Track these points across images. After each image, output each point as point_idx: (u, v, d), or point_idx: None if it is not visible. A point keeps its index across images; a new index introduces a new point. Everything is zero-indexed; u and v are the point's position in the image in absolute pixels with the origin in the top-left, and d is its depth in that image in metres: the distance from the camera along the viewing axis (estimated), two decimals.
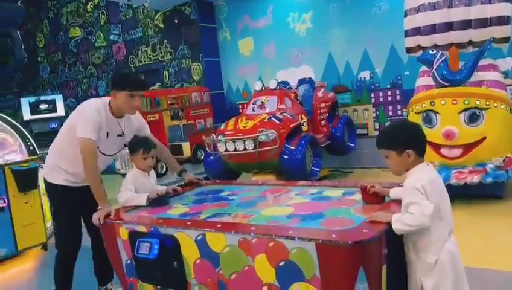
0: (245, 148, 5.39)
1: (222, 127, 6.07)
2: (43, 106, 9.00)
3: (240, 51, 8.56)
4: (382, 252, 1.76)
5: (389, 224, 1.79)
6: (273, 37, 8.10)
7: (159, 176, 6.81)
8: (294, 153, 5.38)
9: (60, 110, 9.11)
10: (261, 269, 1.88)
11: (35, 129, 8.92)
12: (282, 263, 1.81)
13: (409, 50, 5.16)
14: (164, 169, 6.89)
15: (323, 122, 6.49)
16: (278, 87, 6.23)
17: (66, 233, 2.91)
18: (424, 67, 4.94)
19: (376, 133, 7.18)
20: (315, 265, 1.70)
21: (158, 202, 2.70)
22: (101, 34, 10.16)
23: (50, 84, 11.54)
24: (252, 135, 5.37)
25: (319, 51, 7.59)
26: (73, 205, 2.86)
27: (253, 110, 6.11)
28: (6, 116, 4.59)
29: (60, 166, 2.84)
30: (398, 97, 7.00)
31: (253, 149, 5.34)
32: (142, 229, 2.28)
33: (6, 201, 4.11)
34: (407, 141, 1.89)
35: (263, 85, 6.34)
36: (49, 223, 4.56)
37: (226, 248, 1.97)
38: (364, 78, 7.25)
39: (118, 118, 2.81)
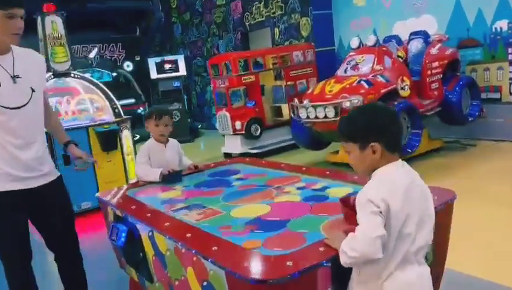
0: (326, 116, 4.88)
1: (310, 90, 5.61)
2: (167, 66, 9.66)
3: (354, 1, 7.67)
4: None
5: None
6: None
7: (254, 138, 6.76)
8: None
9: (182, 70, 9.66)
10: (192, 284, 1.61)
11: (161, 87, 9.71)
12: (205, 283, 1.51)
13: None
14: (259, 132, 6.79)
15: (434, 85, 5.43)
16: (377, 43, 5.39)
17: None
18: None
19: None
20: None
21: (171, 178, 2.60)
22: None
23: (182, 44, 12.30)
24: (333, 102, 4.81)
25: None
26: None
27: (346, 71, 5.44)
28: (95, 80, 4.98)
29: None
30: None
31: (333, 117, 4.80)
32: (119, 213, 2.20)
33: None
34: (371, 130, 1.35)
35: (360, 42, 5.57)
36: (132, 181, 4.91)
37: (167, 252, 1.75)
38: (501, 28, 5.77)
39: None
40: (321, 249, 1.39)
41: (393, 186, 1.30)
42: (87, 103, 4.95)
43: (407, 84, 5.11)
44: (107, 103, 4.91)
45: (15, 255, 2.06)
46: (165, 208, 2.10)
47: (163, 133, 2.82)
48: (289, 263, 1.31)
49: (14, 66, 1.99)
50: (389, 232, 1.27)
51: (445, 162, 5.20)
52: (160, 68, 9.62)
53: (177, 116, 9.50)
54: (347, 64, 5.50)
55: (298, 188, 2.17)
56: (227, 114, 6.71)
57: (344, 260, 1.29)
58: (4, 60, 1.98)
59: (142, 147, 2.83)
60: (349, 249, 1.26)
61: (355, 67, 5.36)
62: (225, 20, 10.39)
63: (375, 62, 5.20)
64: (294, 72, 7.12)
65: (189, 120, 9.65)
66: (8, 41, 1.96)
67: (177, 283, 1.74)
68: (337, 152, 5.59)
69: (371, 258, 1.25)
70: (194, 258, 1.53)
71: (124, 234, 2.06)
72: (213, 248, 1.49)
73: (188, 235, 1.66)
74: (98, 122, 4.71)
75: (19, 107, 1.97)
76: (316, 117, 5.00)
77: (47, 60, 4.75)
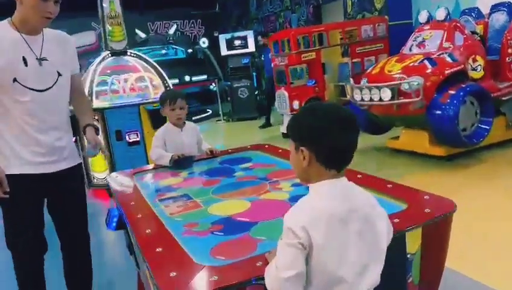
0: (381, 99, 4.49)
1: (369, 69, 5.19)
2: (236, 42, 9.64)
3: None
4: None
5: None
6: None
7: None
8: (444, 109, 4.14)
9: (251, 46, 9.57)
10: (148, 279, 1.56)
11: (230, 64, 9.75)
12: (150, 281, 1.45)
13: None
14: None
15: None
16: (448, 18, 4.77)
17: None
18: None
19: None
20: None
21: (180, 163, 2.58)
22: None
23: (256, 19, 12.18)
24: (389, 83, 4.39)
25: None
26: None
27: (411, 49, 4.92)
28: (149, 58, 5.11)
29: None
30: None
31: (389, 100, 4.39)
32: (114, 197, 2.22)
33: (140, 136, 4.72)
34: (304, 132, 1.12)
35: (429, 16, 4.97)
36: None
37: (135, 243, 1.71)
38: None
39: (30, 36, 1.94)
40: (259, 263, 1.24)
41: (316, 213, 1.05)
42: (141, 81, 5.10)
43: (480, 65, 4.48)
44: (160, 81, 5.02)
45: (25, 245, 1.99)
46: (155, 197, 2.07)
47: (180, 116, 2.79)
48: (213, 278, 1.18)
49: (42, 48, 1.96)
50: (314, 271, 1.05)
51: None
52: (230, 45, 9.64)
53: (245, 93, 9.52)
54: (413, 40, 4.98)
55: (293, 185, 2.00)
56: (286, 93, 6.52)
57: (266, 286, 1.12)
58: (34, 41, 1.94)
59: (158, 131, 2.84)
60: (269, 278, 1.09)
61: (421, 44, 4.82)
62: None
63: (444, 39, 4.62)
64: (361, 48, 6.66)
65: (257, 98, 9.61)
66: (38, 22, 1.92)
67: (142, 274, 1.71)
68: (397, 138, 5.15)
69: None
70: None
71: (115, 219, 2.07)
72: (157, 250, 1.41)
73: (148, 231, 1.61)
74: (149, 100, 4.85)
75: (42, 90, 1.94)
76: (371, 99, 4.62)
77: (105, 39, 4.99)
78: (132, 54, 5.09)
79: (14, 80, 1.87)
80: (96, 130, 2.20)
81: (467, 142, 4.21)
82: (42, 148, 1.97)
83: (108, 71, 5.01)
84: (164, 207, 1.90)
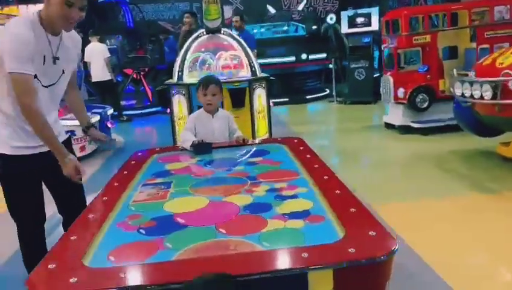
0: (482, 97, 3.77)
1: (482, 59, 4.38)
2: (359, 20, 9.03)
3: None
4: None
5: None
6: None
7: (418, 110, 5.82)
8: None
9: (374, 25, 8.87)
10: None
11: (349, 43, 9.25)
12: None
13: None
14: (426, 103, 5.77)
15: None
16: None
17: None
18: None
19: None
20: None
21: (199, 149, 2.61)
22: None
23: None
24: (492, 79, 3.64)
25: None
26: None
27: None
28: (239, 38, 5.16)
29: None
30: None
31: (490, 99, 3.66)
32: None
33: None
34: None
35: None
36: (260, 138, 5.05)
37: None
38: None
39: (52, 36, 2.04)
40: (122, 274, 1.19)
41: None
42: (231, 60, 5.21)
43: None
44: (247, 61, 5.05)
45: (29, 217, 2.17)
46: (145, 180, 2.14)
47: (210, 102, 2.80)
48: (73, 280, 1.18)
49: (58, 49, 2.07)
50: None
51: None
52: (351, 22, 9.10)
53: (362, 74, 8.97)
54: None
55: (268, 190, 1.84)
56: (391, 79, 5.93)
57: None
58: (54, 40, 2.05)
59: (192, 114, 2.90)
60: None
61: None
62: None
63: None
64: (490, 32, 5.62)
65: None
66: (62, 27, 2.00)
67: None
68: (508, 143, 4.29)
69: None
70: None
71: None
72: (71, 238, 1.47)
73: (91, 215, 1.68)
74: (234, 79, 4.93)
75: (47, 86, 2.07)
76: (472, 96, 3.92)
77: (201, 18, 5.20)
78: (225, 33, 5.20)
79: (35, 76, 1.98)
80: (95, 128, 2.45)
81: None
82: (34, 136, 2.03)
83: (203, 49, 5.24)
84: (138, 193, 1.95)
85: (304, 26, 10.38)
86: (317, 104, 9.77)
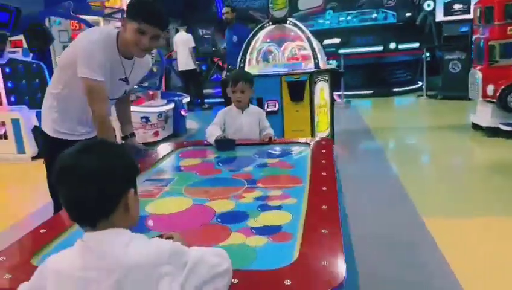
0: None
1: None
2: (456, 7, 8.09)
3: None
4: None
5: None
6: None
7: (509, 110, 5.07)
8: None
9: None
10: None
11: (444, 32, 8.39)
12: None
13: None
14: None
15: None
16: None
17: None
18: None
19: None
20: None
21: (221, 145, 2.57)
22: None
23: None
24: None
25: None
26: None
27: None
28: (305, 28, 4.95)
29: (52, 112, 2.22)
30: None
31: None
32: None
33: (278, 106, 4.73)
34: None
35: None
36: (321, 135, 4.83)
37: None
38: None
39: (126, 59, 2.14)
40: None
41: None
42: (297, 51, 5.04)
43: None
44: (311, 53, 4.83)
45: None
46: (151, 175, 2.14)
47: (239, 99, 2.73)
48: (7, 276, 1.20)
49: (131, 72, 2.20)
50: None
51: None
52: (448, 9, 8.22)
53: (457, 67, 8.10)
54: None
55: (257, 198, 1.71)
56: (479, 74, 5.24)
57: None
58: (128, 64, 2.16)
59: (221, 110, 2.84)
60: None
61: None
62: None
63: None
64: None
65: None
66: (133, 52, 2.07)
67: None
68: None
69: None
70: None
71: None
72: (41, 230, 1.50)
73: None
74: (294, 72, 4.76)
75: (110, 100, 2.20)
76: None
77: (267, 8, 5.09)
78: (291, 23, 5.03)
79: None
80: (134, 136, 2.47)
81: None
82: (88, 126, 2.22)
83: (268, 40, 5.14)
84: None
85: (394, 13, 9.65)
86: (404, 98, 9.10)
